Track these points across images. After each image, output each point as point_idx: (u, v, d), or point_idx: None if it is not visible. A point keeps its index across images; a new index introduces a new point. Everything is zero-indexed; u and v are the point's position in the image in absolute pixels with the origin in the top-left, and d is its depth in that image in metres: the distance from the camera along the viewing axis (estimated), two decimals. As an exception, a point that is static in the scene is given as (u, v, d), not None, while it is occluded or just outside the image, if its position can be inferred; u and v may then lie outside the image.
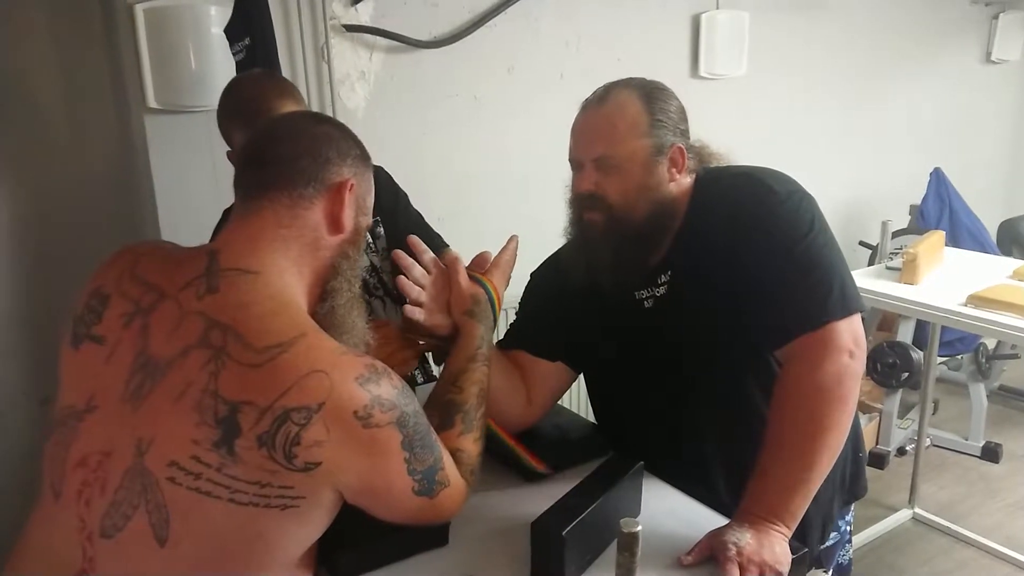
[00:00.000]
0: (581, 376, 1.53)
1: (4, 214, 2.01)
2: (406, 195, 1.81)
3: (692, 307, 1.33)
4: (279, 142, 1.07)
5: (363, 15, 2.33)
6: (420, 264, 1.27)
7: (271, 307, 0.97)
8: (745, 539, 1.13)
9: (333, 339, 0.98)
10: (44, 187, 2.06)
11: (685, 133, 1.37)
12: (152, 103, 1.97)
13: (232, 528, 0.93)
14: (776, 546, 1.14)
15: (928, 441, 3.12)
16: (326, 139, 1.08)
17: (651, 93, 1.35)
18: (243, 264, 1.00)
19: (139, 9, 1.91)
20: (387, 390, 0.97)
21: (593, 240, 1.36)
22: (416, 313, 1.24)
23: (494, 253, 1.37)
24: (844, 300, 1.24)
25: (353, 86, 2.34)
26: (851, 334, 1.22)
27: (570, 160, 1.38)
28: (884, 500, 3.10)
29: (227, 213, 1.44)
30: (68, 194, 2.09)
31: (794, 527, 1.18)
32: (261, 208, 1.04)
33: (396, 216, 1.73)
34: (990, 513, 3.06)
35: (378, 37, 2.35)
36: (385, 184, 1.78)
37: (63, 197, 2.09)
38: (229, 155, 1.61)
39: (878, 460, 3.09)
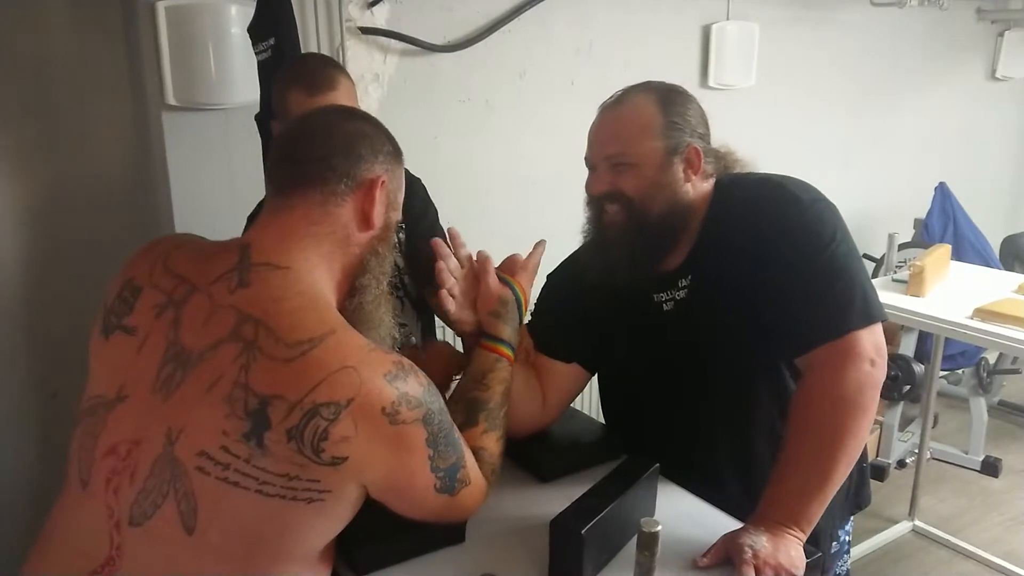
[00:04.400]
0: (594, 379, 1.54)
1: (19, 207, 2.02)
2: (436, 210, 1.83)
3: (711, 311, 1.34)
4: (312, 138, 1.07)
5: (379, 18, 2.34)
6: (456, 257, 1.28)
7: (301, 303, 0.98)
8: (761, 542, 1.14)
9: (361, 335, 0.99)
10: (59, 181, 2.07)
11: (703, 137, 1.38)
12: (171, 100, 1.98)
13: (259, 519, 0.94)
14: (791, 550, 1.15)
15: (928, 454, 3.13)
16: (359, 136, 1.09)
17: (667, 96, 1.37)
18: (274, 259, 1.01)
19: (160, 7, 1.93)
20: (414, 387, 0.98)
21: (611, 238, 1.37)
22: (448, 302, 1.25)
23: (505, 256, 1.39)
24: (866, 309, 1.25)
25: (367, 88, 2.35)
26: (872, 343, 1.23)
27: (585, 161, 1.40)
28: (884, 512, 3.11)
29: (262, 204, 1.47)
30: (83, 188, 2.10)
31: (809, 531, 1.19)
32: (293, 205, 1.05)
33: (422, 224, 1.75)
34: (989, 527, 3.07)
35: (393, 40, 2.36)
36: (419, 193, 1.81)
37: (78, 191, 2.09)
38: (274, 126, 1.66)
39: (879, 472, 3.10)
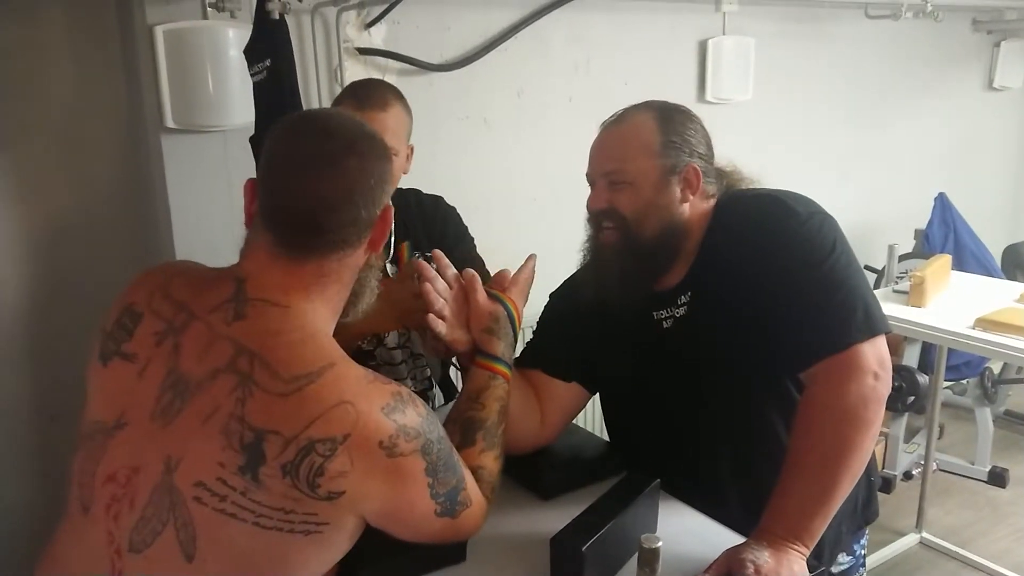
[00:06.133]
0: (596, 396, 1.54)
1: (19, 231, 2.03)
2: (472, 239, 1.85)
3: (712, 328, 1.33)
4: (334, 208, 1.01)
5: (376, 38, 2.36)
6: (443, 278, 1.28)
7: (300, 336, 0.98)
8: (763, 557, 1.13)
9: (360, 366, 0.99)
10: (59, 204, 2.08)
11: (704, 156, 1.38)
12: (169, 122, 1.99)
13: (257, 549, 0.94)
14: (794, 564, 1.14)
15: (935, 465, 3.11)
16: (371, 185, 1.02)
17: (667, 115, 1.37)
18: (273, 298, 1.00)
19: (158, 30, 1.94)
20: (412, 418, 0.98)
21: (604, 257, 1.38)
22: (439, 325, 1.25)
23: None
24: (868, 321, 1.24)
25: (365, 108, 2.36)
26: (876, 356, 1.22)
27: (587, 178, 1.41)
28: (891, 524, 3.09)
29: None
30: (83, 212, 2.11)
31: (812, 547, 1.18)
32: (305, 262, 1.01)
33: (459, 248, 1.77)
34: (998, 538, 3.05)
35: (390, 60, 2.38)
36: (453, 220, 1.84)
37: (77, 214, 2.10)
38: None
39: (885, 484, 3.08)
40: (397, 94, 1.68)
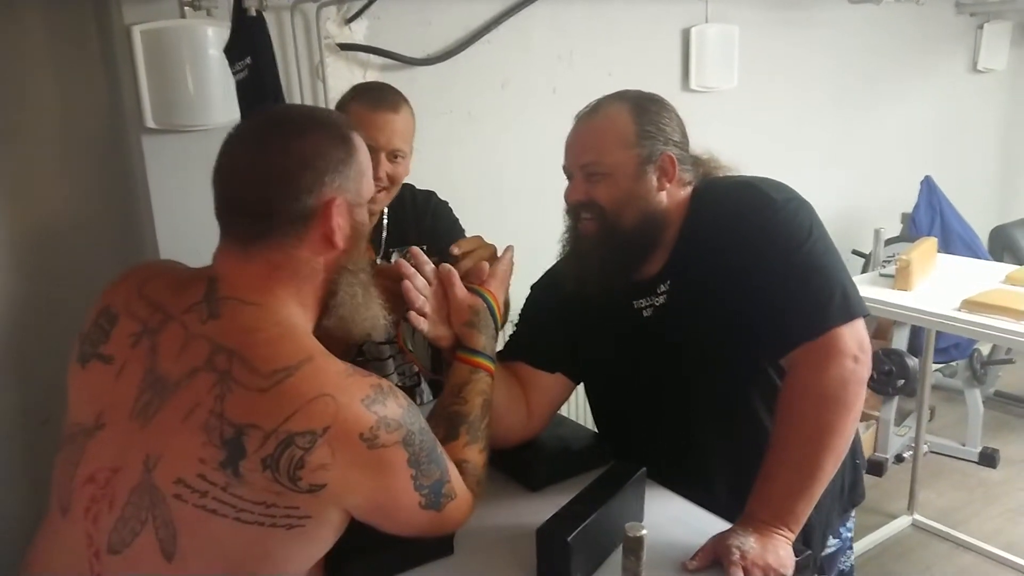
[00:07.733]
0: (582, 386, 1.54)
1: (3, 234, 2.02)
2: (463, 230, 1.84)
3: (692, 316, 1.34)
4: (249, 182, 1.01)
5: (357, 34, 2.35)
6: (421, 275, 1.28)
7: (279, 332, 0.98)
8: (749, 543, 1.14)
9: (339, 360, 0.98)
10: (42, 207, 2.07)
11: (680, 144, 1.38)
12: (150, 123, 1.98)
13: (239, 545, 0.93)
14: (780, 549, 1.15)
15: (926, 448, 3.13)
16: (300, 162, 1.00)
17: (642, 105, 1.38)
18: (244, 296, 1.00)
19: (136, 30, 1.93)
20: (393, 410, 0.98)
21: (584, 248, 1.38)
22: (420, 323, 1.25)
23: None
24: (846, 305, 1.25)
25: (348, 104, 2.35)
26: (855, 339, 1.23)
27: (564, 170, 1.41)
28: (883, 507, 3.11)
29: None
30: (66, 214, 2.10)
31: (798, 531, 1.19)
32: (253, 256, 1.01)
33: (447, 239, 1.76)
34: (990, 519, 3.07)
35: (372, 55, 2.36)
36: (443, 216, 1.85)
37: (61, 217, 2.09)
38: None
39: (876, 467, 3.09)
40: (404, 98, 1.69)
